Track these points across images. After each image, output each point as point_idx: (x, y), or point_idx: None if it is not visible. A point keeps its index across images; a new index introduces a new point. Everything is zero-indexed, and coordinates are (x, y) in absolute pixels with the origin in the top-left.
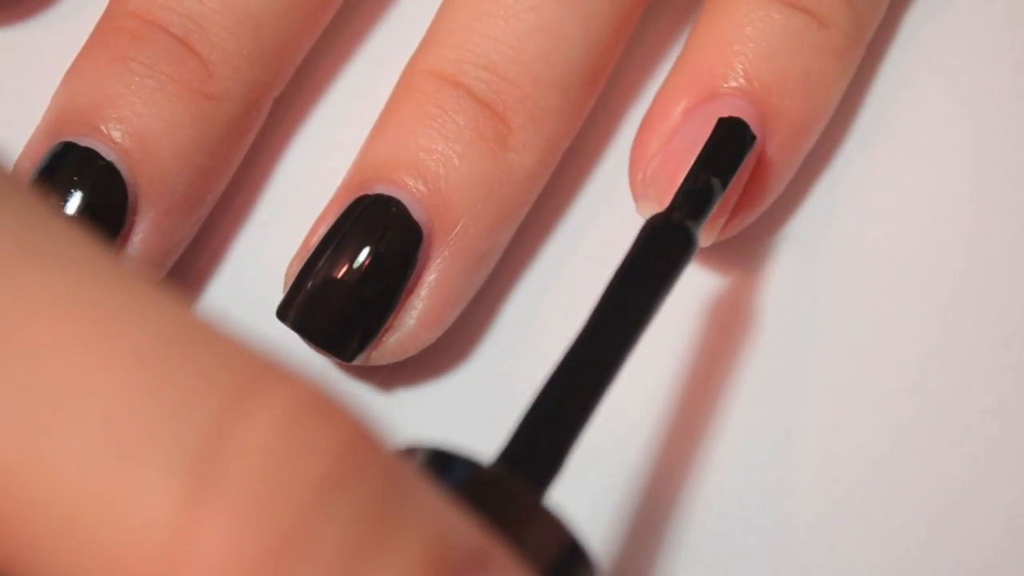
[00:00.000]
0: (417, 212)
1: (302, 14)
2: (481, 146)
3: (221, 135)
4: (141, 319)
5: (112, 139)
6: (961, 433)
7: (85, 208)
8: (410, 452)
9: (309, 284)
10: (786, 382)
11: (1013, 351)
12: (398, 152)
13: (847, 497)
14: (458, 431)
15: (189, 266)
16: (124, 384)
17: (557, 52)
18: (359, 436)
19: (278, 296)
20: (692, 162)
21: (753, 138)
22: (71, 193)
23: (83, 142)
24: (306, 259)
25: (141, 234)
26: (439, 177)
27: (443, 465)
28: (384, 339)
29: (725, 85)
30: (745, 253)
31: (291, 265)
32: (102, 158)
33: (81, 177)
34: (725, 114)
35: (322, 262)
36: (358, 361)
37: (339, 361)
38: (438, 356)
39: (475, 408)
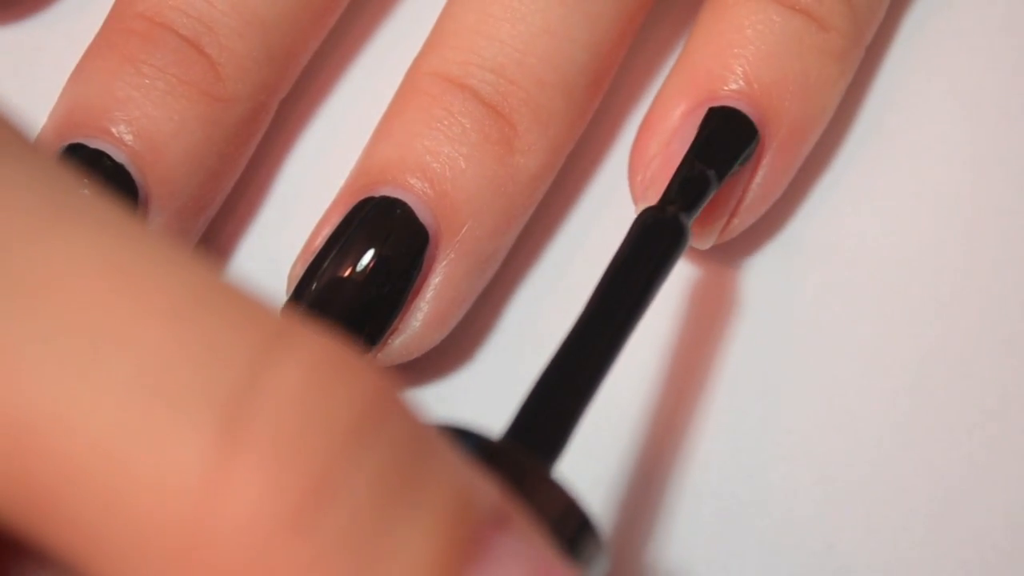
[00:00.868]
0: (423, 214)
1: (309, 16)
2: (487, 149)
3: (229, 137)
4: (174, 277)
5: (122, 141)
6: (960, 433)
7: None
8: None
9: (314, 286)
10: (786, 382)
11: (1013, 351)
12: (404, 154)
13: (846, 497)
14: None
15: None
16: (159, 336)
17: (562, 55)
18: (385, 391)
19: (281, 297)
20: None
21: (754, 131)
22: None
23: (93, 143)
24: (310, 261)
25: None
26: (445, 179)
27: (454, 439)
28: (389, 341)
29: (725, 87)
30: (745, 253)
31: (294, 267)
32: (112, 159)
33: (91, 178)
34: None
35: (327, 264)
36: None
37: None
38: (442, 357)
39: (480, 408)
